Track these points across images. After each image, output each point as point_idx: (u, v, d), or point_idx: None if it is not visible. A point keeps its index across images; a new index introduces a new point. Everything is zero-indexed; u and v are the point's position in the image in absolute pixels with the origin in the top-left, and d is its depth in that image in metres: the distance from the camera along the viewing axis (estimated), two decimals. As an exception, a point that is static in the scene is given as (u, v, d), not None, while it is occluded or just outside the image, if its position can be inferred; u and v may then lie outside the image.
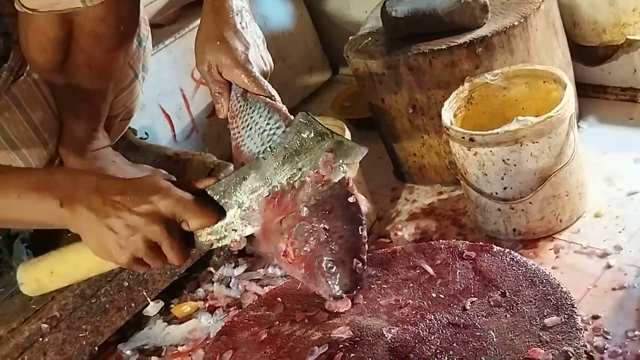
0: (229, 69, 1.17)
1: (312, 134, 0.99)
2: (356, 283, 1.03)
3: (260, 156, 1.02)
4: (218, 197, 1.03)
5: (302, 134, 1.00)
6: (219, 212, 1.02)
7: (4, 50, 1.53)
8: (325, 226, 1.02)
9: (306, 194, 1.02)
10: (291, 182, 1.01)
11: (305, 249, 1.02)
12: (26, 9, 1.40)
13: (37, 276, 1.11)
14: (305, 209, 1.02)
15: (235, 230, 1.03)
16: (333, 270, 1.02)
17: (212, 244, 1.05)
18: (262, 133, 1.08)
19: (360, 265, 1.03)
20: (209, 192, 1.03)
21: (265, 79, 1.21)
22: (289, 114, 1.10)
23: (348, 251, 1.03)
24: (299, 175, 1.00)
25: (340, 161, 1.01)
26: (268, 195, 1.01)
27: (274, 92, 1.17)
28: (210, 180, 1.05)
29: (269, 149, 1.02)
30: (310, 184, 1.01)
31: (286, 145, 1.01)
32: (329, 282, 1.02)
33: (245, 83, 1.16)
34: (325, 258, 1.01)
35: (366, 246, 1.06)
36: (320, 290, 1.05)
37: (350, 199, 1.04)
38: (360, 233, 1.05)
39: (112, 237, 0.98)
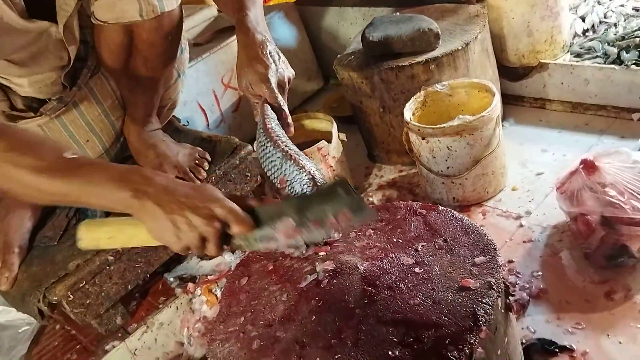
0: (255, 84, 1.19)
1: (343, 192, 0.90)
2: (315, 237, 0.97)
3: (299, 198, 0.96)
4: (259, 215, 0.94)
5: (335, 190, 0.91)
6: (255, 226, 0.93)
7: (84, 54, 1.51)
8: None
9: None
10: (315, 221, 0.91)
11: None
12: (99, 21, 1.39)
13: (97, 237, 1.00)
14: None
15: (259, 243, 0.95)
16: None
17: (240, 247, 0.96)
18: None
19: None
20: (256, 210, 0.94)
21: (287, 85, 1.22)
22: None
23: None
24: (322, 219, 0.91)
25: (354, 218, 0.90)
26: (295, 227, 0.92)
27: (282, 102, 1.18)
28: (258, 202, 0.96)
29: (307, 194, 0.97)
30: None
31: (320, 194, 0.95)
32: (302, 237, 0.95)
33: (264, 93, 1.17)
34: None
35: None
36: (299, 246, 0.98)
37: None
38: None
39: (172, 230, 0.91)
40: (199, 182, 1.56)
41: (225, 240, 0.94)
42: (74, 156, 0.96)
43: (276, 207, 0.94)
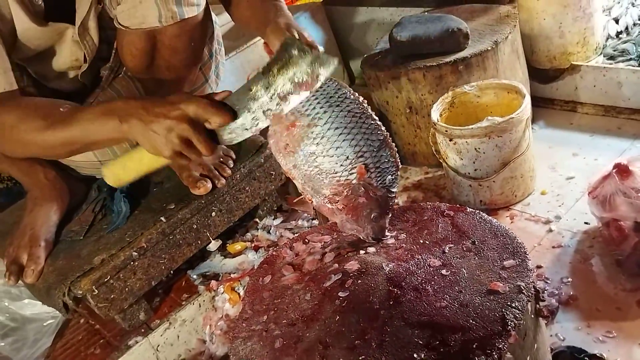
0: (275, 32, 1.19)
1: (297, 51, 0.94)
2: (384, 231, 1.07)
3: (259, 71, 0.98)
4: (232, 104, 0.99)
5: (289, 52, 0.94)
6: (233, 114, 0.98)
7: (106, 54, 1.51)
8: (373, 191, 1.04)
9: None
10: (284, 89, 0.95)
11: (359, 200, 1.03)
12: (121, 26, 1.38)
13: (115, 171, 1.14)
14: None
15: (247, 130, 0.99)
16: (376, 220, 1.05)
17: (232, 140, 1.02)
18: None
19: (388, 219, 1.07)
20: (226, 102, 1.00)
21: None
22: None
23: (384, 209, 1.06)
24: (290, 84, 0.95)
25: (320, 71, 0.95)
26: (270, 101, 0.96)
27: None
28: (225, 93, 1.02)
29: (265, 66, 0.98)
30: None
31: (278, 61, 0.96)
32: (372, 227, 1.05)
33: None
34: (374, 211, 1.04)
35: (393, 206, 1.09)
36: (362, 231, 1.06)
37: None
38: (390, 196, 1.07)
39: (156, 138, 1.00)
40: (224, 180, 1.55)
41: (212, 137, 0.99)
42: (66, 108, 1.12)
43: (245, 91, 0.97)
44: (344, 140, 1.02)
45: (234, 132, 0.99)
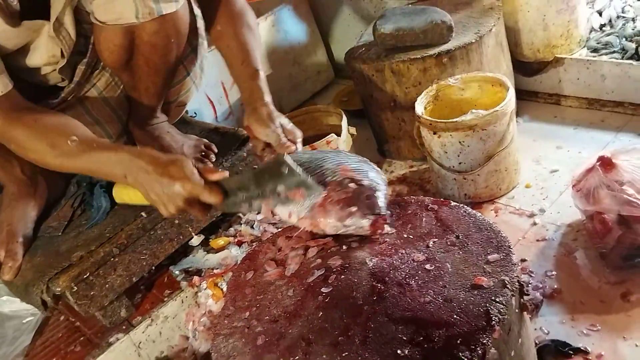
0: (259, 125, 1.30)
1: (286, 170, 1.04)
2: (378, 206, 1.07)
3: (254, 170, 1.11)
4: (225, 186, 1.10)
5: (282, 169, 1.05)
6: (224, 196, 1.10)
7: (84, 48, 1.47)
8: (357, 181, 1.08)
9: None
10: (272, 192, 1.06)
11: (348, 190, 1.06)
12: (98, 21, 1.34)
13: (123, 197, 1.41)
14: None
15: (238, 208, 1.12)
16: (369, 198, 1.06)
17: (224, 211, 1.20)
18: None
19: (382, 196, 1.08)
20: (222, 184, 1.10)
21: (297, 138, 1.30)
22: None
23: (372, 189, 1.08)
24: (277, 192, 1.06)
25: (304, 192, 1.05)
26: (257, 195, 1.08)
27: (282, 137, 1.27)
28: (221, 175, 1.11)
29: (259, 169, 1.10)
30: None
31: (270, 171, 1.07)
32: (366, 205, 1.06)
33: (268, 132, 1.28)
34: (365, 192, 1.06)
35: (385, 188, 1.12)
36: (358, 212, 1.05)
37: None
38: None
39: (156, 200, 1.14)
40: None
41: (206, 206, 1.12)
42: (74, 141, 1.19)
43: (239, 180, 1.11)
44: (322, 163, 1.12)
45: (225, 206, 1.11)
